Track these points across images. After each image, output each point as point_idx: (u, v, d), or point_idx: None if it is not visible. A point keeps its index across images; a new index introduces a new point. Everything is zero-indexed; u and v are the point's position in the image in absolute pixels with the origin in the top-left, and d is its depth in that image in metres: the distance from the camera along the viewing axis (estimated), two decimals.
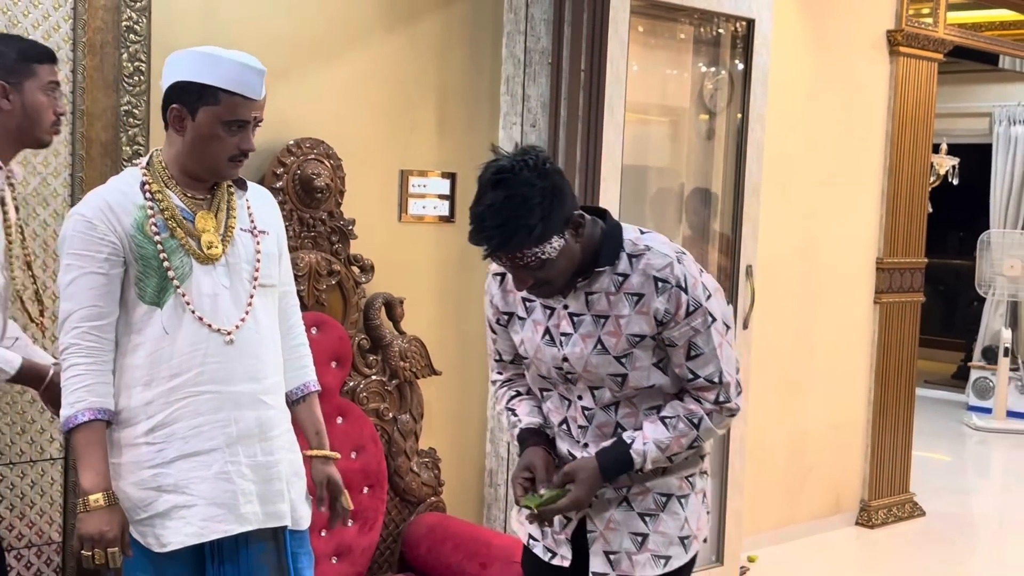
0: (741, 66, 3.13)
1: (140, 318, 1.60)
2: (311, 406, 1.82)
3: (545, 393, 1.71)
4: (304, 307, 2.38)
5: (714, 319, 1.58)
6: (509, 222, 1.47)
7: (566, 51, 2.67)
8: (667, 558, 1.66)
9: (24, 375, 1.80)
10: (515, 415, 1.72)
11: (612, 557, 1.65)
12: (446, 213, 2.76)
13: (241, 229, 1.69)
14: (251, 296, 1.67)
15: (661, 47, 3.13)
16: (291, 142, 2.40)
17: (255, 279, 1.68)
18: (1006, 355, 6.14)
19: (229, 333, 1.63)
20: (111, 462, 1.61)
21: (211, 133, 1.61)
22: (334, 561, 2.41)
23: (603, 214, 1.63)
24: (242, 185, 1.73)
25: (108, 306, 1.59)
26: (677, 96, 3.22)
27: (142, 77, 2.22)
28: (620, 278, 1.58)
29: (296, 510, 1.73)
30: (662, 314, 1.56)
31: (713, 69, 3.23)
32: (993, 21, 5.23)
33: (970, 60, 5.10)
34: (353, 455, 2.46)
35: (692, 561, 1.71)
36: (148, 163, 1.67)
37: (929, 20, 4.09)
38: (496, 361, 1.78)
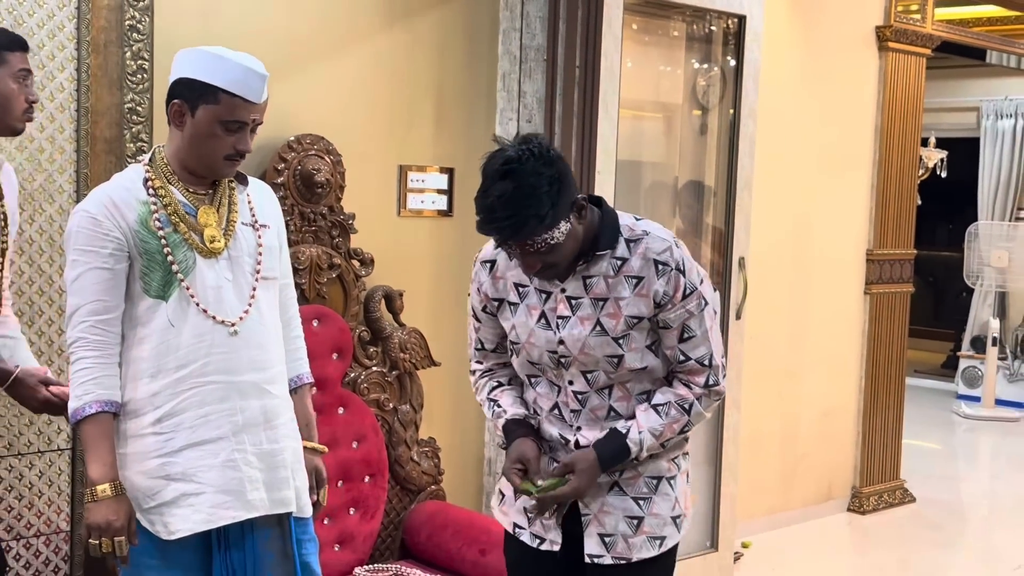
0: (733, 62, 3.16)
1: (146, 311, 1.63)
2: (303, 398, 1.84)
3: (533, 380, 1.71)
4: (305, 300, 2.41)
5: (706, 303, 1.63)
6: (520, 212, 1.49)
7: (561, 48, 2.70)
8: (662, 539, 1.68)
9: None
10: (499, 406, 1.73)
11: (607, 540, 1.66)
12: (444, 207, 2.79)
13: (242, 223, 1.71)
14: (253, 288, 1.69)
15: (654, 44, 3.15)
16: (292, 138, 2.43)
17: (257, 272, 1.70)
18: (994, 344, 6.18)
19: (233, 324, 1.65)
20: (119, 452, 1.63)
21: (209, 131, 1.62)
22: (337, 548, 2.44)
23: (599, 201, 1.66)
24: (243, 180, 1.74)
25: (114, 300, 1.61)
26: (670, 92, 3.25)
27: (145, 75, 2.23)
28: (619, 262, 1.61)
29: (300, 497, 1.74)
30: (661, 296, 1.60)
31: (706, 65, 3.25)
32: (980, 17, 5.25)
33: (958, 55, 5.13)
34: (354, 445, 2.48)
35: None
36: (151, 159, 1.69)
37: (917, 16, 4.13)
38: (477, 350, 1.79)
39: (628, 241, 1.62)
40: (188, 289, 1.63)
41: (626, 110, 2.93)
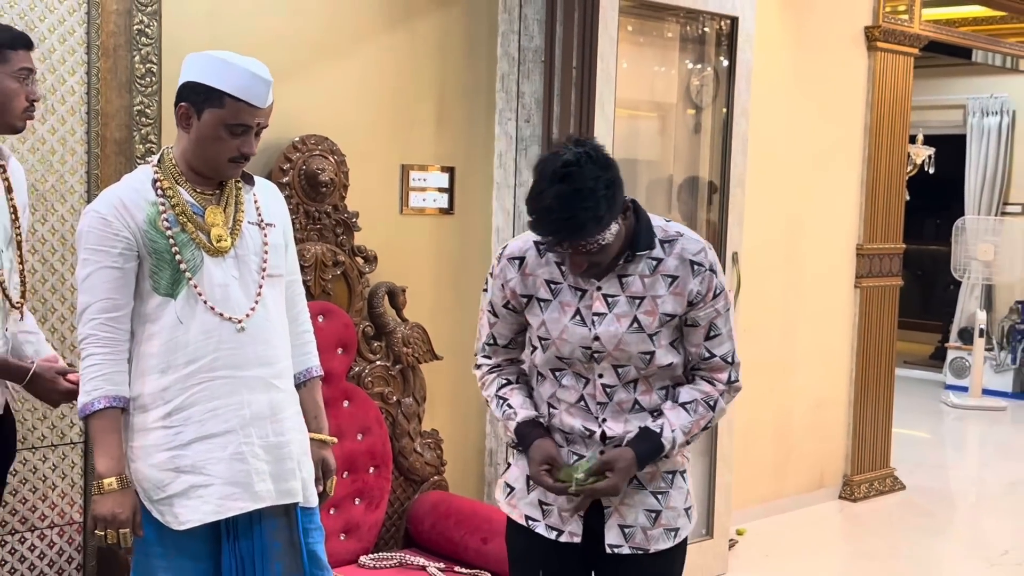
0: (726, 62, 3.20)
1: (155, 309, 1.65)
2: (313, 391, 1.85)
3: (558, 373, 1.71)
4: (311, 296, 2.43)
5: (729, 304, 1.69)
6: (579, 214, 1.51)
7: (558, 49, 2.73)
8: (676, 530, 1.73)
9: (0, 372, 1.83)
10: (509, 406, 1.73)
11: (626, 531, 1.69)
12: (445, 205, 2.83)
13: (249, 222, 1.73)
14: (260, 286, 1.71)
15: (649, 45, 3.19)
16: (296, 139, 2.46)
17: (263, 270, 1.72)
18: (981, 336, 6.24)
19: (240, 321, 1.67)
20: (129, 445, 1.66)
21: (214, 134, 1.64)
22: (342, 538, 2.47)
23: (633, 203, 1.69)
24: (249, 180, 1.75)
25: (123, 298, 1.64)
26: (665, 92, 3.28)
27: (154, 78, 2.26)
28: (654, 261, 1.65)
29: (307, 488, 1.76)
30: (694, 295, 1.65)
31: (699, 66, 3.29)
32: (967, 17, 5.30)
33: (944, 54, 5.18)
34: (359, 437, 2.52)
35: None
36: (160, 160, 1.71)
37: (905, 16, 4.17)
38: (488, 345, 1.77)
39: (663, 242, 1.66)
40: (196, 287, 1.65)
41: (622, 110, 2.97)
